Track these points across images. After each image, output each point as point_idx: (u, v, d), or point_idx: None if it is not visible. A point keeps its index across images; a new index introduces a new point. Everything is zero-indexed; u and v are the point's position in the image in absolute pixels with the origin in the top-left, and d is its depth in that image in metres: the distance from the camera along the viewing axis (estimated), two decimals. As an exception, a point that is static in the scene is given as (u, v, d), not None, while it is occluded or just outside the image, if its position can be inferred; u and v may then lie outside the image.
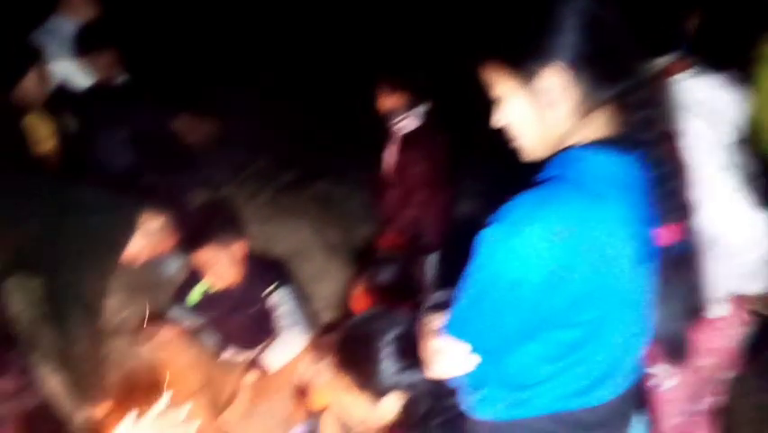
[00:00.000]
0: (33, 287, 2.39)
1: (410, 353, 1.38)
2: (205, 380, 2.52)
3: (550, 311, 1.00)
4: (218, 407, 2.55)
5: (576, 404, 1.08)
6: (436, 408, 1.42)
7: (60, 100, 2.83)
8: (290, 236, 3.63)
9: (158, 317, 2.62)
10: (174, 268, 3.18)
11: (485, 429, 1.16)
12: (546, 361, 1.06)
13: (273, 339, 2.52)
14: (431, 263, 2.92)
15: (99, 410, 2.05)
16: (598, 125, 1.05)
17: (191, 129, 3.09)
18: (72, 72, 2.92)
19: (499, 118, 1.12)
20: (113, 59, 2.94)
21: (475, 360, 1.10)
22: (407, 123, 2.95)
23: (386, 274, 2.06)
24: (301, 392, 2.53)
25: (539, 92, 1.03)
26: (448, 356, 1.12)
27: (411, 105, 2.93)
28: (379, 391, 1.48)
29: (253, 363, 2.46)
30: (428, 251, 2.92)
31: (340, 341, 1.55)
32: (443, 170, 2.97)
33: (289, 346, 2.47)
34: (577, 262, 0.96)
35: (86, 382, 2.00)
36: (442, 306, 1.18)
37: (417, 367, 1.40)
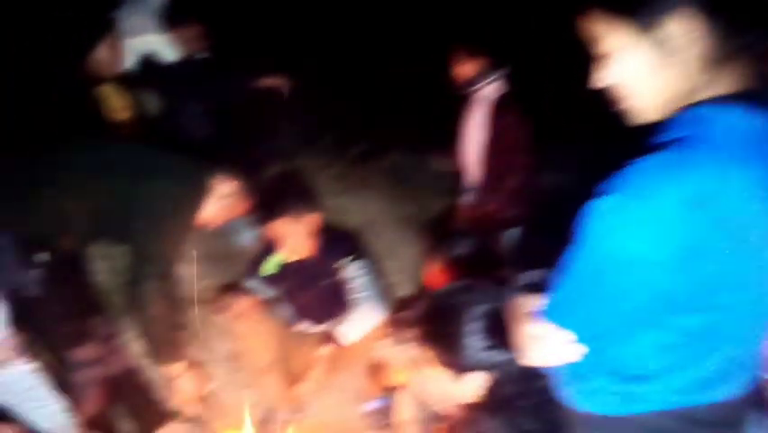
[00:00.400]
0: (115, 254, 2.47)
1: (498, 331, 1.29)
2: (280, 352, 2.52)
3: (677, 293, 0.87)
4: (292, 379, 2.55)
5: (697, 400, 0.95)
6: (525, 391, 1.32)
7: (143, 73, 2.87)
8: (363, 209, 3.58)
9: (233, 289, 2.64)
10: (249, 239, 3.20)
11: (589, 423, 1.05)
12: (667, 350, 0.93)
13: (347, 313, 2.48)
14: (512, 237, 2.79)
15: (177, 373, 2.07)
16: (728, 80, 0.90)
17: (267, 102, 3.08)
18: (157, 45, 2.96)
19: (605, 77, 0.99)
20: (197, 33, 2.97)
21: (579, 349, 0.98)
22: (492, 89, 2.81)
23: (463, 248, 1.95)
24: (376, 368, 2.49)
25: (661, 44, 0.89)
26: (546, 344, 1.01)
27: (491, 71, 2.79)
28: (462, 369, 1.40)
29: (328, 337, 2.43)
30: (509, 224, 2.78)
31: (423, 314, 1.47)
32: (527, 138, 2.83)
33: (364, 320, 2.42)
34: (713, 235, 0.83)
35: (163, 347, 2.03)
36: (535, 287, 1.07)
37: (505, 347, 1.31)
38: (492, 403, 1.38)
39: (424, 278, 2.01)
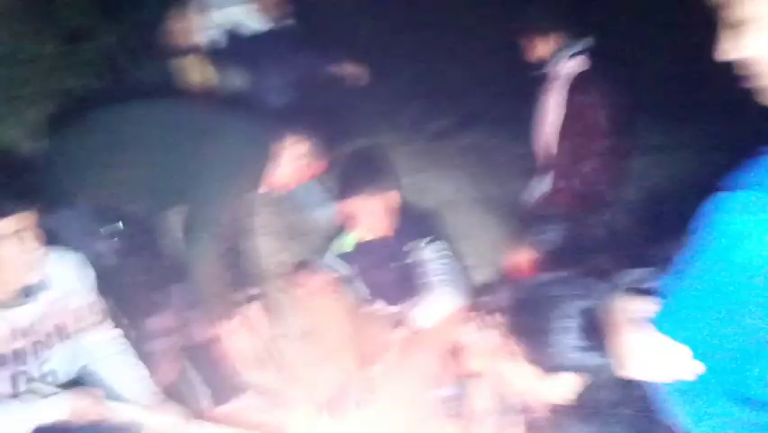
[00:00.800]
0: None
1: (594, 331, 1.17)
2: (354, 331, 2.48)
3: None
4: (364, 360, 2.51)
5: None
6: (620, 400, 1.20)
7: (227, 45, 2.87)
8: (442, 188, 3.47)
9: (308, 265, 2.62)
10: (325, 216, 3.18)
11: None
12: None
13: (424, 296, 2.40)
14: (605, 225, 2.60)
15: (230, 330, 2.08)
16: None
17: (349, 75, 3.02)
18: (241, 17, 2.95)
19: (739, 48, 0.83)
20: (281, 3, 2.93)
21: (695, 367, 0.85)
22: (570, 66, 2.62)
23: (552, 235, 1.81)
24: (452, 354, 2.41)
25: None
26: (654, 357, 0.88)
27: (570, 46, 2.60)
28: (550, 367, 1.28)
29: (403, 319, 2.36)
30: (600, 210, 2.59)
31: (511, 303, 1.37)
32: (615, 119, 2.62)
33: (441, 305, 2.33)
34: None
35: (215, 305, 2.04)
36: (641, 288, 0.94)
37: (601, 349, 1.18)
38: (582, 409, 1.27)
39: (506, 264, 1.88)
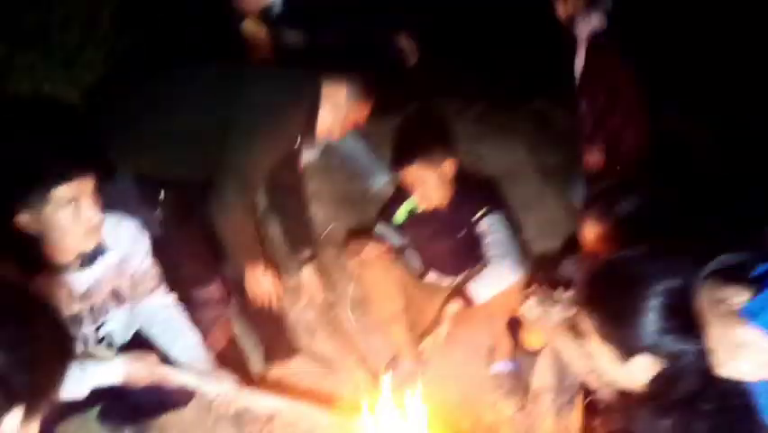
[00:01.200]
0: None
1: (681, 314, 1.06)
2: (407, 302, 2.43)
3: None
4: (418, 331, 2.46)
5: None
6: (703, 392, 1.09)
7: (286, 8, 2.81)
8: (502, 157, 3.32)
9: (363, 234, 2.57)
10: (381, 183, 3.12)
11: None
12: None
13: (480, 268, 2.31)
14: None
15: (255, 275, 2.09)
16: None
17: (404, 49, 2.91)
18: None
19: None
20: None
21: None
22: (590, 24, 2.52)
23: (627, 206, 1.66)
24: (511, 328, 2.33)
25: None
26: (747, 353, 0.77)
27: (593, 4, 2.45)
28: (628, 348, 1.19)
29: (458, 292, 2.29)
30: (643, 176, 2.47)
31: (594, 277, 1.27)
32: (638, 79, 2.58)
33: (498, 278, 2.24)
34: None
35: (241, 254, 2.04)
36: (735, 274, 0.83)
37: (687, 335, 1.08)
38: (654, 398, 1.17)
39: (579, 237, 1.75)
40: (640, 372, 1.19)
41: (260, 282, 2.07)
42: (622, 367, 1.21)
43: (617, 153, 2.75)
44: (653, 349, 1.15)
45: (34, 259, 1.61)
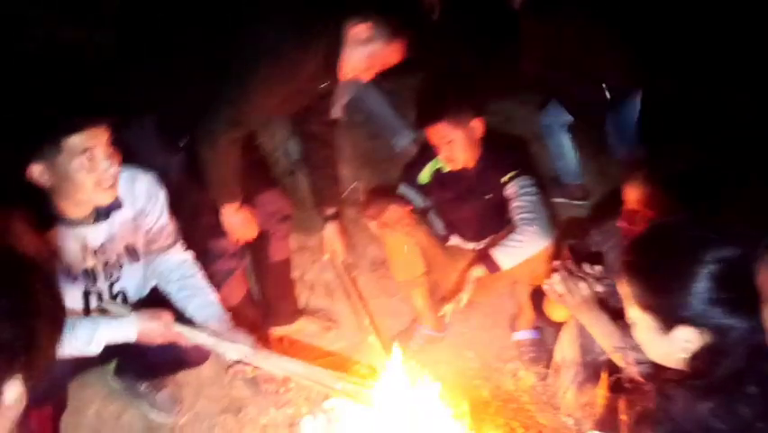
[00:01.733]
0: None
1: (737, 285, 0.99)
2: (428, 266, 2.36)
3: None
4: (439, 295, 2.40)
5: None
6: (750, 373, 1.01)
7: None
8: (531, 116, 3.18)
9: (385, 194, 2.48)
10: (406, 142, 3.02)
11: None
12: None
13: (507, 233, 2.22)
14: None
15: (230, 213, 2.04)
16: None
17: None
18: None
19: None
20: None
21: None
22: None
23: (679, 165, 1.55)
24: (535, 296, 2.25)
25: None
26: None
27: None
28: (672, 317, 1.11)
29: (482, 257, 2.20)
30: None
31: (642, 240, 1.21)
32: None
33: (525, 245, 2.14)
34: None
35: (222, 189, 1.97)
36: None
37: (741, 307, 1.01)
38: (700, 377, 1.09)
39: (623, 202, 1.64)
40: (681, 345, 1.12)
41: (233, 221, 2.02)
42: (661, 339, 1.14)
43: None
44: (698, 320, 1.07)
45: (47, 213, 1.56)
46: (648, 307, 1.14)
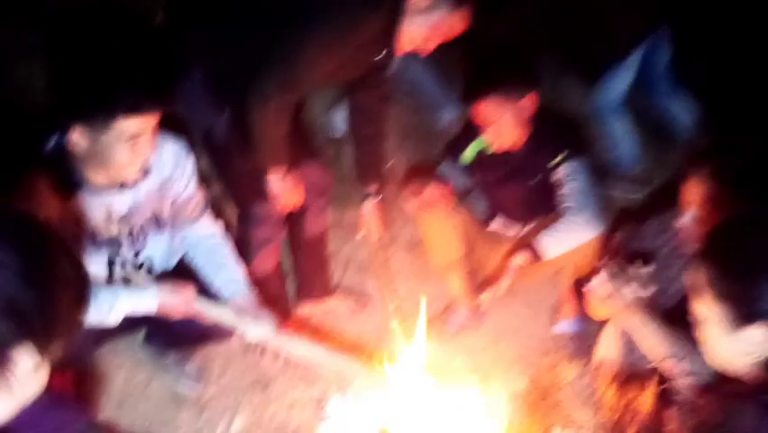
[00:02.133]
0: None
1: None
2: (468, 249, 2.25)
3: None
4: (477, 281, 2.29)
5: None
6: None
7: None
8: (586, 95, 2.99)
9: (425, 171, 2.37)
10: (449, 118, 2.90)
11: None
12: None
13: (553, 220, 2.08)
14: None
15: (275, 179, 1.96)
16: None
17: None
18: None
19: None
20: None
21: None
22: None
23: (741, 164, 1.40)
24: (580, 288, 2.11)
25: None
26: None
27: None
28: (747, 312, 1.03)
29: (525, 244, 2.08)
30: None
31: (724, 226, 1.14)
32: None
33: (572, 233, 2.01)
34: None
35: (268, 157, 1.89)
36: None
37: None
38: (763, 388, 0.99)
39: (681, 188, 1.50)
40: (751, 347, 1.04)
41: (278, 187, 1.95)
42: (730, 338, 1.05)
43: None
44: None
45: (73, 179, 1.53)
46: (725, 295, 1.05)
